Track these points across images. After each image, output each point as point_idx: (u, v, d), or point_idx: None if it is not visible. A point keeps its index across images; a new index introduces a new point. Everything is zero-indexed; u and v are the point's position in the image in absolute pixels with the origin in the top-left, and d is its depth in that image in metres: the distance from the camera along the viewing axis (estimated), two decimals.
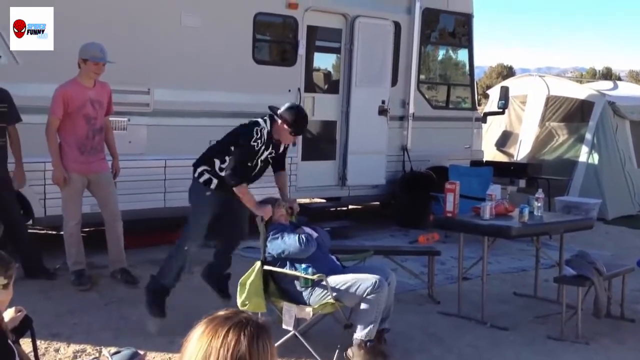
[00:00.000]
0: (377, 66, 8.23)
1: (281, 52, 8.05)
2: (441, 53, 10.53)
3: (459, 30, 9.60)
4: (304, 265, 4.12)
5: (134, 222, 6.09)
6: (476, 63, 10.23)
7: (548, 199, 8.59)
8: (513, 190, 8.69)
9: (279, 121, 4.37)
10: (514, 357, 4.23)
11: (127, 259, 5.47)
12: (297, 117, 4.43)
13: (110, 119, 5.61)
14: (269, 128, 4.40)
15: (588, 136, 10.02)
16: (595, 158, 9.88)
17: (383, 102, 8.25)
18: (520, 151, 10.66)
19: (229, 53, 6.98)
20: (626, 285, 5.03)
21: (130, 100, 6.26)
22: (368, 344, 3.99)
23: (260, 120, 4.45)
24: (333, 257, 4.53)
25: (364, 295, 4.01)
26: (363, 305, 4.01)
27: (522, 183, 8.67)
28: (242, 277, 4.20)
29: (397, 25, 8.39)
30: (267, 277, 4.24)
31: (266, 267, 4.22)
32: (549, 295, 5.21)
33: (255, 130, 4.36)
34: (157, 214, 6.47)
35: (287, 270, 4.19)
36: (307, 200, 8.46)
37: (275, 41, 8.20)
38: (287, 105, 4.47)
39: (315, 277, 4.04)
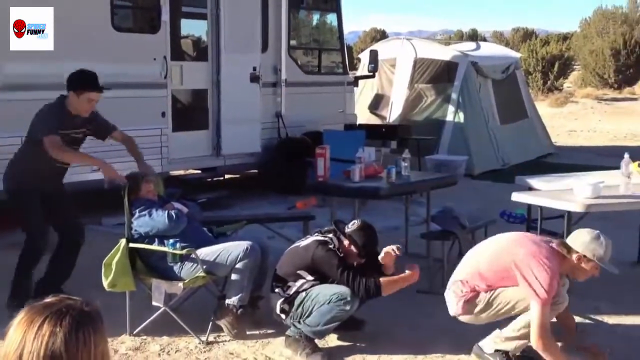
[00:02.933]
0: (246, 32, 8.08)
1: (143, 19, 7.71)
2: (311, 18, 10.54)
3: None
4: (171, 241, 4.01)
5: None
6: (352, 28, 10.34)
7: (419, 158, 8.94)
8: (387, 152, 8.91)
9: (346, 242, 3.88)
10: (386, 311, 4.36)
11: None
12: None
13: None
14: None
15: (454, 96, 10.45)
16: (461, 117, 10.33)
17: (254, 68, 8.14)
18: (392, 113, 10.95)
19: (85, 20, 6.57)
20: (488, 236, 5.28)
21: None
22: (240, 310, 3.96)
23: None
24: (204, 229, 4.45)
25: (235, 264, 3.97)
26: (234, 274, 3.98)
27: (394, 144, 8.91)
28: (107, 257, 4.02)
29: None
30: (134, 255, 4.09)
31: (132, 245, 4.06)
32: (419, 251, 5.40)
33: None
34: None
35: (155, 246, 4.06)
36: (181, 172, 8.25)
37: (136, 7, 7.84)
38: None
39: (183, 251, 3.94)
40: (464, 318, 3.73)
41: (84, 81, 4.42)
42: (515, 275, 3.52)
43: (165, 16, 7.29)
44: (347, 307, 3.71)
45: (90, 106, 4.50)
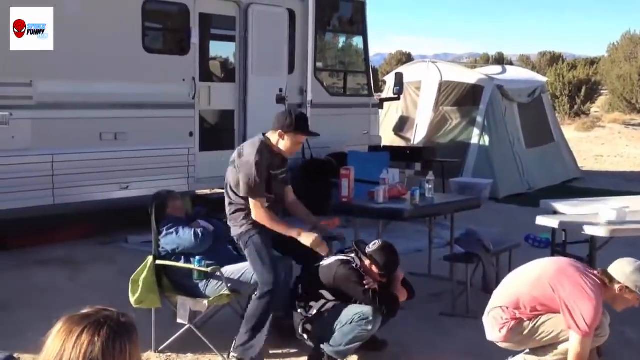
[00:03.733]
0: (273, 54, 8.20)
1: (173, 41, 7.87)
2: (337, 40, 10.65)
3: (354, 18, 9.72)
4: (197, 258, 4.06)
5: (20, 220, 5.80)
6: (377, 50, 10.43)
7: (443, 180, 8.92)
8: (411, 173, 8.92)
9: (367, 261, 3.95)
10: (409, 334, 4.37)
11: (14, 259, 5.20)
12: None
13: None
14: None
15: (479, 119, 10.44)
16: (486, 140, 10.30)
17: (280, 90, 8.23)
18: (417, 135, 10.96)
19: (117, 42, 6.74)
20: (513, 260, 5.27)
21: (11, 93, 5.94)
22: None
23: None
24: (230, 247, 4.50)
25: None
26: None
27: (418, 166, 8.91)
28: (134, 274, 4.08)
29: (291, 13, 8.39)
30: (160, 272, 4.15)
31: (159, 262, 4.13)
32: (442, 273, 5.39)
33: None
34: (46, 211, 6.17)
35: (181, 264, 4.12)
36: (207, 192, 8.34)
37: (167, 29, 8.00)
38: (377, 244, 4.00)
39: (209, 269, 3.99)
40: (505, 345, 3.66)
41: (299, 124, 4.26)
42: (556, 303, 3.46)
43: (195, 38, 7.44)
44: (369, 327, 3.73)
45: (296, 148, 4.44)
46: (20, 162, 5.90)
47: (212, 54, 9.27)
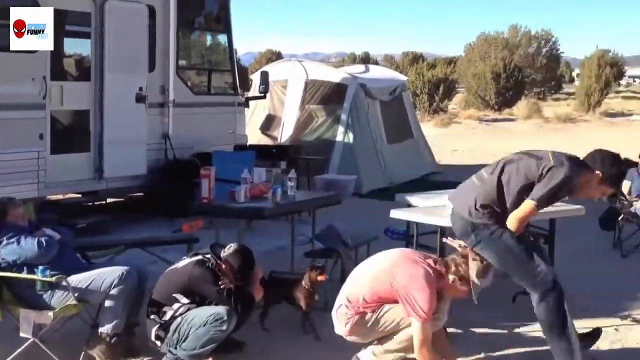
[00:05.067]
0: (132, 51, 7.92)
1: None
2: (202, 38, 10.48)
3: (218, 15, 9.60)
4: (41, 268, 3.82)
5: None
6: (248, 49, 10.37)
7: (308, 178, 9.04)
8: (277, 172, 8.93)
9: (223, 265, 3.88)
10: (268, 333, 4.37)
11: None
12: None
13: None
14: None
15: (343, 117, 10.68)
16: (350, 137, 10.56)
17: (140, 88, 7.97)
18: (284, 134, 11.03)
19: None
20: (371, 253, 5.39)
21: None
22: (113, 338, 3.83)
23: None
24: (78, 255, 4.28)
25: (109, 290, 3.85)
26: (108, 301, 3.86)
27: (284, 164, 8.95)
28: None
29: (151, 9, 8.14)
30: (0, 284, 3.86)
31: None
32: (304, 269, 5.42)
33: None
34: None
35: (23, 274, 3.85)
36: (59, 197, 7.90)
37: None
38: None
39: (53, 279, 3.77)
40: (351, 338, 3.81)
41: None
42: (395, 295, 3.63)
43: None
44: (224, 327, 3.69)
45: None
46: None
47: (66, 51, 8.79)
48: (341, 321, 3.77)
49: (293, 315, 4.53)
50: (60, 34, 7.87)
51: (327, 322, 4.38)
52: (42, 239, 3.94)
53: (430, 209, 5.11)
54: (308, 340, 4.36)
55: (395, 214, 5.04)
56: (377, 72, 13.06)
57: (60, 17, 7.47)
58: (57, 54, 7.77)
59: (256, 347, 4.14)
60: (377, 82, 11.65)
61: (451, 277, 3.68)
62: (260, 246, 6.46)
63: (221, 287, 3.78)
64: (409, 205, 5.52)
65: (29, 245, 3.89)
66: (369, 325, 3.71)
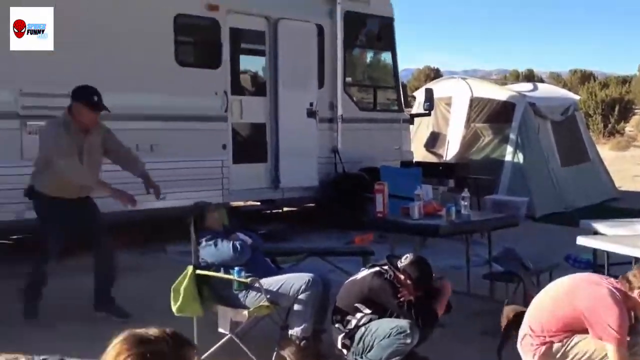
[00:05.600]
0: (303, 68, 8.23)
1: (205, 54, 7.92)
2: (366, 56, 10.65)
3: (382, 33, 9.72)
4: (237, 269, 4.05)
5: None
6: (405, 66, 10.41)
7: (477, 198, 8.82)
8: (444, 190, 8.83)
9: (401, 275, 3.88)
10: (449, 353, 4.27)
11: (59, 265, 5.26)
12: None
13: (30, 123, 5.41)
14: None
15: (512, 136, 10.32)
16: (520, 157, 10.17)
17: (311, 104, 8.25)
18: (449, 152, 10.88)
19: (151, 55, 6.80)
20: (553, 280, 5.15)
21: (51, 104, 6.00)
22: (302, 342, 3.95)
23: None
24: (267, 259, 4.48)
25: (297, 295, 3.98)
26: (297, 305, 3.99)
27: (452, 183, 8.82)
28: (175, 283, 4.08)
29: (320, 28, 8.42)
30: (201, 282, 4.13)
31: (199, 272, 4.11)
32: (481, 291, 5.29)
33: None
34: None
35: (221, 274, 4.10)
36: (241, 203, 8.34)
37: (199, 43, 8.07)
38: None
39: (248, 280, 3.97)
40: None
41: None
42: (581, 320, 3.42)
43: (226, 52, 7.49)
44: (408, 340, 3.68)
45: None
46: None
47: (242, 67, 9.32)
48: (527, 353, 3.58)
49: (473, 334, 4.42)
50: (236, 51, 8.38)
51: (509, 347, 4.24)
52: (237, 243, 4.16)
53: (622, 237, 4.78)
54: None
55: (584, 241, 4.77)
56: (546, 91, 12.53)
57: (237, 36, 7.96)
58: (235, 70, 8.27)
59: None
60: (547, 101, 11.15)
61: (637, 291, 3.39)
62: (434, 264, 6.39)
63: (401, 299, 3.77)
64: (595, 233, 5.20)
65: (225, 249, 4.13)
66: (557, 357, 3.49)
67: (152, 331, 1.49)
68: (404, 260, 3.90)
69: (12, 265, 5.53)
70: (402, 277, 3.85)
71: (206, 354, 4.03)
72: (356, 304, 3.86)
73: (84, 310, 4.70)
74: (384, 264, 3.98)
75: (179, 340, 1.49)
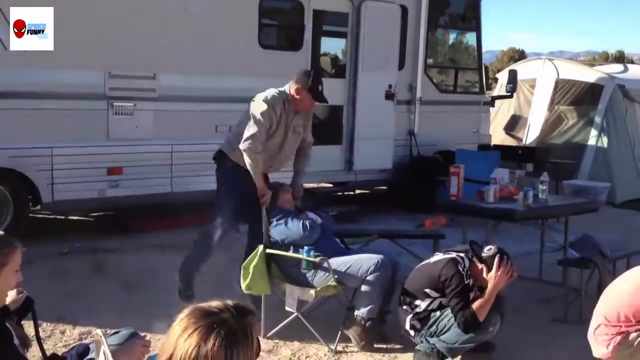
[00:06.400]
0: (384, 50, 8.19)
1: (287, 37, 8.03)
2: (449, 37, 10.47)
3: (467, 14, 9.54)
4: (306, 248, 4.15)
5: (142, 207, 6.14)
6: (488, 47, 10.19)
7: (556, 182, 8.58)
8: (521, 174, 8.64)
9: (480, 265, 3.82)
10: (519, 338, 4.25)
11: (134, 242, 5.52)
12: None
13: (116, 104, 5.64)
14: None
15: (597, 119, 9.95)
16: (604, 141, 9.80)
17: (390, 86, 8.23)
18: (529, 135, 10.61)
19: (235, 38, 6.98)
20: (631, 268, 4.99)
21: (136, 85, 6.31)
22: (368, 322, 4.02)
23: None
24: (337, 240, 4.56)
25: (366, 276, 4.03)
26: (364, 286, 4.04)
27: (530, 167, 8.62)
28: (246, 261, 4.23)
29: (404, 9, 8.35)
30: (270, 260, 4.27)
31: (269, 251, 4.25)
32: (553, 278, 5.19)
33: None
34: (164, 198, 6.51)
35: (290, 253, 4.22)
36: (314, 185, 8.48)
37: (282, 26, 8.18)
38: None
39: (317, 259, 4.06)
40: None
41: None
42: None
43: (308, 34, 7.56)
44: (490, 328, 3.68)
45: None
46: (143, 150, 6.27)
47: (324, 50, 9.39)
48: (601, 342, 3.49)
49: (542, 320, 4.36)
50: (318, 33, 8.43)
51: (579, 334, 4.17)
52: (307, 222, 4.26)
53: None
54: (559, 348, 4.17)
55: None
56: (637, 73, 11.94)
57: (319, 17, 8.00)
58: (316, 52, 8.33)
59: (507, 350, 4.05)
60: (637, 83, 10.64)
61: None
62: (505, 248, 6.31)
63: (456, 296, 3.70)
64: None
65: (294, 227, 4.23)
66: (635, 345, 3.40)
67: (215, 304, 1.55)
68: (487, 252, 3.79)
69: (93, 241, 5.86)
70: (480, 266, 3.79)
71: (272, 332, 4.18)
72: (426, 289, 3.85)
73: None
74: (462, 251, 3.92)
75: (241, 310, 1.54)
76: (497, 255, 3.73)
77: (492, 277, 3.71)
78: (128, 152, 6.11)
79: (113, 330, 2.46)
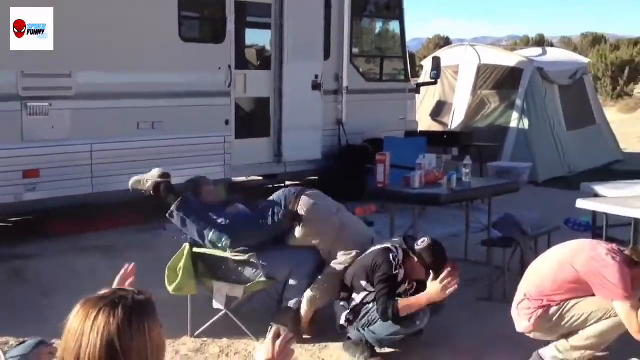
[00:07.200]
0: (309, 40, 8.17)
1: (209, 29, 7.90)
2: (374, 26, 10.56)
3: (391, 2, 9.63)
4: (227, 241, 4.06)
5: (61, 209, 5.93)
6: (415, 35, 10.32)
7: (481, 165, 8.79)
8: (448, 158, 8.81)
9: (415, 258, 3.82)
10: (446, 319, 4.32)
11: (55, 246, 5.33)
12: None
13: (30, 104, 5.39)
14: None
15: (518, 102, 10.26)
16: (525, 123, 10.12)
17: (316, 76, 8.21)
18: (454, 120, 10.84)
19: (154, 31, 6.80)
20: (552, 244, 5.15)
21: (51, 84, 6.07)
22: (298, 313, 4.01)
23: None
24: (242, 205, 4.47)
25: (295, 268, 4.03)
26: (292, 279, 4.03)
27: (455, 151, 8.80)
28: (171, 262, 4.14)
29: None
30: (196, 258, 4.20)
31: (196, 250, 4.17)
32: (479, 258, 5.32)
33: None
34: (86, 200, 6.30)
35: (218, 252, 4.14)
36: (243, 179, 8.40)
37: (203, 18, 8.04)
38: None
39: (245, 257, 4.01)
40: (534, 335, 3.64)
41: None
42: (582, 284, 3.43)
43: (231, 26, 7.46)
44: (417, 322, 3.74)
45: None
46: (61, 151, 6.04)
47: (247, 41, 9.29)
48: (523, 317, 3.61)
49: (468, 300, 4.46)
50: (241, 24, 8.34)
51: (504, 312, 4.29)
52: (234, 217, 4.19)
53: (621, 199, 4.77)
54: (485, 327, 4.27)
55: (583, 204, 4.77)
56: (556, 55, 12.40)
57: (242, 9, 7.91)
58: (240, 44, 8.24)
59: (434, 332, 4.12)
60: (555, 66, 11.04)
61: None
62: (432, 232, 6.39)
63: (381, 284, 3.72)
64: (596, 195, 5.19)
65: (220, 222, 4.16)
66: (554, 320, 3.53)
67: (105, 290, 1.54)
68: (420, 244, 3.80)
69: (11, 248, 5.63)
70: (415, 259, 3.80)
71: (200, 330, 4.12)
72: (362, 281, 3.83)
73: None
74: (396, 244, 3.92)
75: (137, 290, 1.53)
76: (449, 268, 3.67)
77: (433, 286, 3.66)
78: (45, 154, 5.86)
79: (18, 342, 2.35)
